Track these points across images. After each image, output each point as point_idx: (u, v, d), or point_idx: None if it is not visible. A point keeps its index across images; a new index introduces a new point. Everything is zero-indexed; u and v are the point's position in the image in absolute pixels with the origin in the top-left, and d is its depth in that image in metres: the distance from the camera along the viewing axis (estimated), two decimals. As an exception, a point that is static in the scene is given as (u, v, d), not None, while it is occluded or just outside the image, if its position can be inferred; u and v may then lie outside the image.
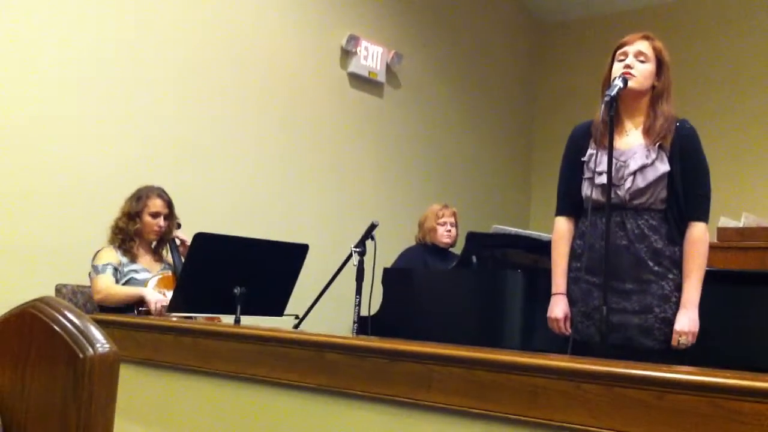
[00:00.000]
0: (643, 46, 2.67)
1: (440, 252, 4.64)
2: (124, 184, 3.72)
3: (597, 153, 2.64)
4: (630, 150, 2.64)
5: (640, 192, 2.58)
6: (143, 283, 3.46)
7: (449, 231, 4.64)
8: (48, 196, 4.02)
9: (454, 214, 4.71)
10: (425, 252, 4.64)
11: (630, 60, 2.64)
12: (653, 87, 2.66)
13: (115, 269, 3.45)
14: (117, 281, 3.45)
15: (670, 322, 2.56)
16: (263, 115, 5.15)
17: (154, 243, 3.67)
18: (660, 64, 2.67)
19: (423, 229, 4.71)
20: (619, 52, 2.69)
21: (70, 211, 4.07)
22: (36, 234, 3.95)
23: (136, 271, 3.51)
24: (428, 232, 4.66)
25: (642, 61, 2.64)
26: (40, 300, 1.15)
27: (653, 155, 2.60)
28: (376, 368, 1.95)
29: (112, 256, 3.49)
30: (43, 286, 3.33)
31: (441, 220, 4.64)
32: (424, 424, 1.86)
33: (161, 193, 3.62)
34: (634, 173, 2.59)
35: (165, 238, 3.65)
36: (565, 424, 1.65)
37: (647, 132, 2.65)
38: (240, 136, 5.00)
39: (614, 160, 2.60)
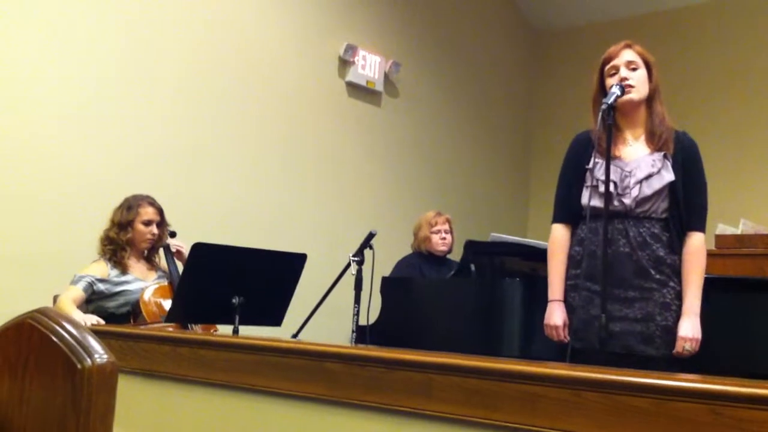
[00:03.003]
0: (630, 54, 2.70)
1: (437, 260, 4.63)
2: (126, 193, 3.71)
3: (601, 162, 2.64)
4: (635, 161, 2.65)
5: (645, 200, 2.60)
6: (137, 293, 3.45)
7: (444, 239, 4.61)
8: (46, 207, 4.02)
9: (448, 221, 4.68)
10: (421, 261, 4.62)
11: (624, 72, 2.66)
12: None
13: (91, 284, 3.41)
14: (103, 296, 3.43)
15: (671, 330, 2.56)
16: (261, 125, 5.16)
17: (146, 251, 3.66)
18: (648, 66, 2.69)
19: (417, 239, 4.69)
20: (608, 67, 2.71)
21: (68, 221, 4.08)
22: (34, 244, 3.95)
23: (128, 281, 3.50)
24: (423, 241, 4.64)
25: (634, 69, 2.67)
26: (39, 311, 1.15)
27: (659, 164, 2.61)
28: (375, 377, 1.95)
29: (99, 269, 3.47)
30: (41, 296, 3.33)
31: (435, 228, 4.62)
32: (423, 433, 1.86)
33: (152, 201, 3.62)
34: (641, 182, 2.60)
35: (157, 245, 3.65)
36: (564, 432, 1.65)
37: (650, 136, 2.67)
38: (238, 145, 5.01)
39: (619, 170, 2.61)
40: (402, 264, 4.67)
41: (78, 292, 3.38)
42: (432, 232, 4.61)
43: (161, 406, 2.51)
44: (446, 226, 4.65)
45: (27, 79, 4.00)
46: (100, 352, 1.08)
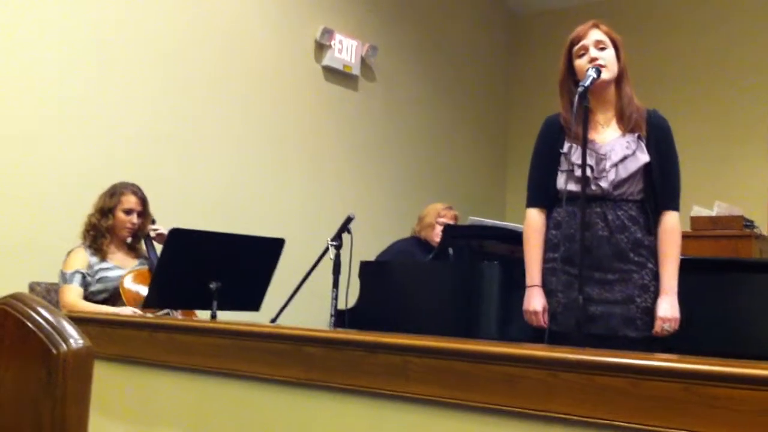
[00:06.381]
0: (598, 34, 2.69)
1: (430, 249, 4.64)
2: (102, 181, 3.68)
3: (574, 146, 2.65)
4: (608, 143, 2.65)
5: (622, 183, 2.61)
6: (116, 280, 3.43)
7: None
8: (23, 193, 3.98)
9: (455, 217, 4.74)
10: (416, 246, 4.65)
11: (594, 52, 2.65)
12: None
13: (84, 276, 3.39)
14: (88, 285, 3.41)
15: (650, 311, 2.59)
16: (238, 110, 5.13)
17: (128, 240, 3.64)
18: (615, 46, 2.69)
19: (421, 223, 4.73)
20: (576, 47, 2.69)
21: (45, 208, 4.04)
22: (10, 231, 3.91)
23: (108, 268, 3.47)
24: (426, 227, 4.68)
25: (603, 49, 2.66)
26: (13, 296, 1.14)
27: (633, 146, 2.62)
28: (353, 361, 1.95)
29: (81, 259, 3.44)
30: (16, 284, 3.29)
31: (440, 220, 4.65)
32: (401, 415, 1.87)
33: (136, 190, 3.59)
34: (617, 164, 2.61)
35: (139, 235, 3.62)
36: (542, 413, 1.66)
37: (620, 118, 2.68)
38: (215, 131, 4.98)
39: (594, 154, 2.62)
40: (395, 247, 4.68)
41: (78, 289, 3.36)
42: (437, 222, 4.65)
43: (139, 391, 2.51)
44: (452, 222, 4.71)
45: (5, 70, 3.94)
46: (75, 338, 1.08)
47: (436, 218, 4.65)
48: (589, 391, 1.61)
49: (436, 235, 4.62)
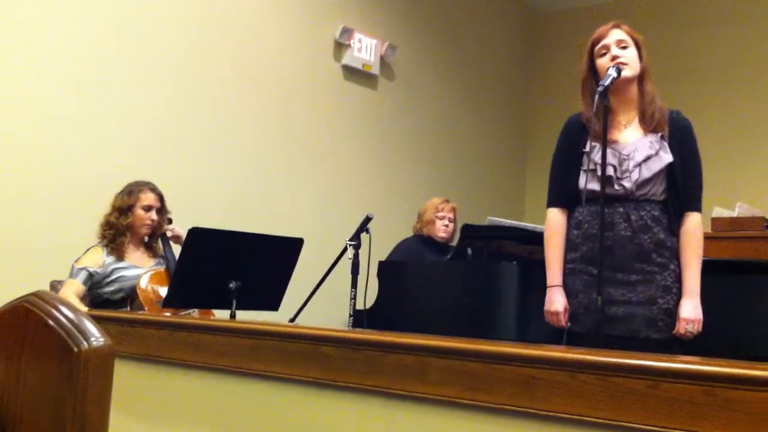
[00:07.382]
0: (619, 34, 2.69)
1: (437, 245, 4.66)
2: (121, 181, 3.71)
3: (597, 146, 2.64)
4: (631, 144, 2.64)
5: (645, 183, 2.59)
6: (133, 279, 3.45)
7: (446, 226, 4.68)
8: (44, 193, 4.01)
9: (453, 210, 4.75)
10: (422, 244, 4.66)
11: (615, 50, 2.65)
12: None
13: (91, 275, 3.42)
14: (96, 284, 3.43)
15: (672, 312, 2.57)
16: (257, 110, 5.15)
17: (146, 238, 3.66)
18: (637, 45, 2.70)
19: (421, 221, 4.75)
20: (598, 47, 2.70)
21: (66, 207, 4.07)
22: (32, 230, 3.95)
23: (123, 268, 3.49)
24: (426, 224, 4.69)
25: (624, 47, 2.66)
26: (35, 294, 1.15)
27: (657, 146, 2.61)
28: (371, 361, 1.95)
29: (95, 258, 3.47)
30: (38, 282, 3.32)
31: (440, 214, 4.68)
32: (418, 416, 1.87)
33: (153, 187, 3.63)
34: (640, 164, 2.59)
35: (156, 232, 3.64)
36: (560, 414, 1.65)
37: (642, 117, 2.67)
38: (234, 130, 5.00)
39: (617, 153, 2.61)
40: (402, 247, 4.69)
41: (78, 286, 3.39)
42: (437, 217, 4.68)
43: (158, 390, 2.52)
44: (451, 215, 4.73)
45: (22, 70, 3.98)
46: (96, 336, 1.08)
47: (435, 213, 4.69)
48: (607, 393, 1.60)
49: (438, 230, 4.65)
